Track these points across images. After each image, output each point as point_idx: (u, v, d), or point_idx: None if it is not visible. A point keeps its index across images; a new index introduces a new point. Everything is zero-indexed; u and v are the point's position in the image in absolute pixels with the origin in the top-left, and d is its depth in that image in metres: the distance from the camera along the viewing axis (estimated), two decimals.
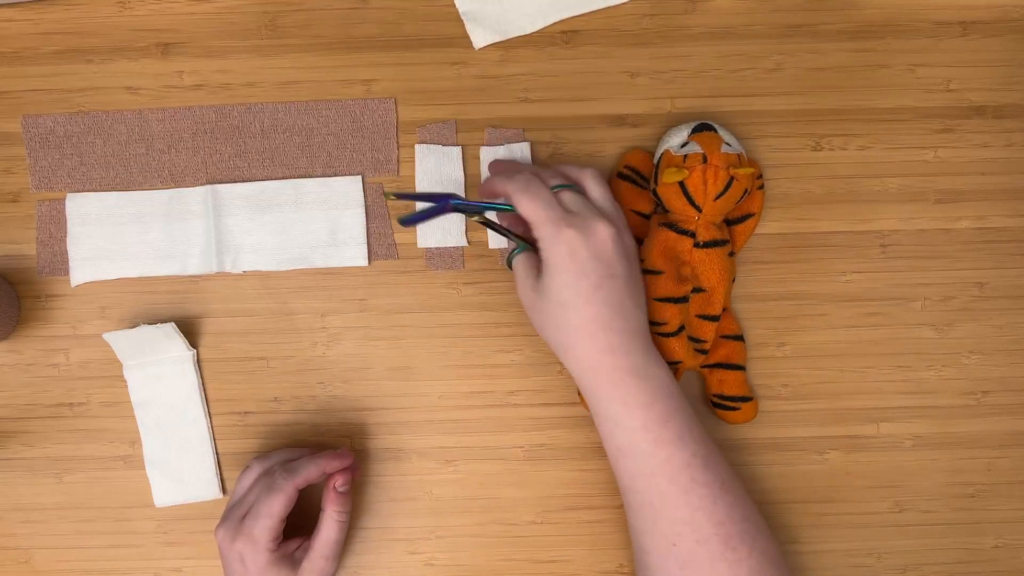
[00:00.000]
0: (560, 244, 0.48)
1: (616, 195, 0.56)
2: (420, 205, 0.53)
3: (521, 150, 0.57)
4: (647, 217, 0.56)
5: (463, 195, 0.57)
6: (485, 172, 0.57)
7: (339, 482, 0.53)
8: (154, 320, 0.57)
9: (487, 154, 0.57)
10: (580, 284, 0.48)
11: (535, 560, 0.58)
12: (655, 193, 0.54)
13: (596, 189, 0.51)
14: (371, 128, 0.57)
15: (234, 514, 0.52)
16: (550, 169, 0.53)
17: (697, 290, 0.54)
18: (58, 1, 0.57)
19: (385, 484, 0.58)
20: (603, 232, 0.48)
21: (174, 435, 0.57)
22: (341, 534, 0.53)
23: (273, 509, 0.51)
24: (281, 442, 0.58)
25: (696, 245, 0.53)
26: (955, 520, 0.58)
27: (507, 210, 0.51)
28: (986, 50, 0.57)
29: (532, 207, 0.49)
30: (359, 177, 0.57)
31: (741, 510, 0.49)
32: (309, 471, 0.52)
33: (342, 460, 0.54)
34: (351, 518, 0.55)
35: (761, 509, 0.56)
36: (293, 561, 0.52)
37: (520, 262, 0.52)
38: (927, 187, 0.58)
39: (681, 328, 0.54)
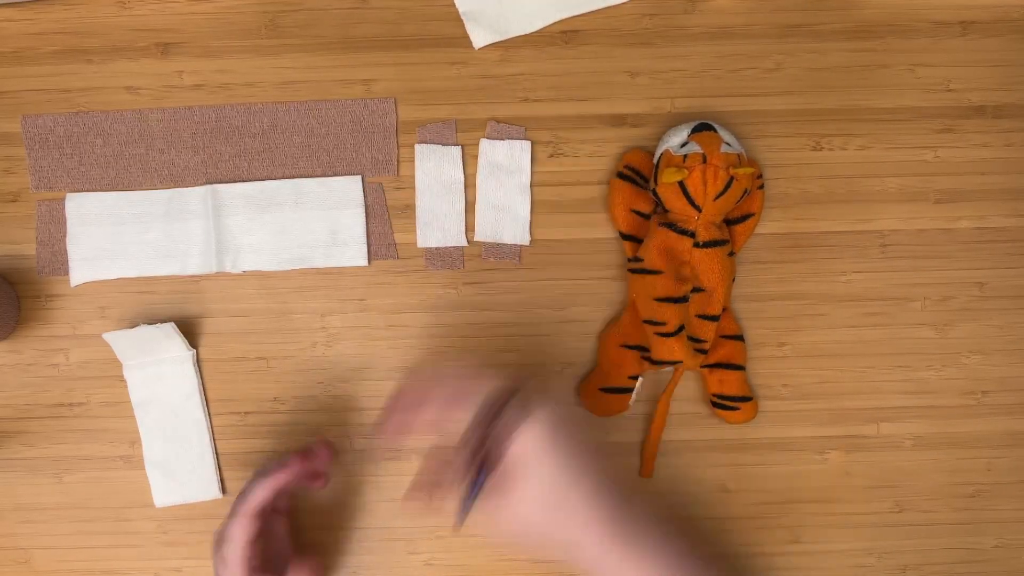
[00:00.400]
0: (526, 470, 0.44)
1: (616, 195, 0.56)
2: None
3: (521, 147, 0.57)
4: (647, 217, 0.56)
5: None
6: (484, 168, 0.57)
7: (318, 485, 0.54)
8: (154, 320, 0.57)
9: (487, 146, 0.57)
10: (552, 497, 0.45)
11: (535, 560, 0.58)
12: (655, 193, 0.54)
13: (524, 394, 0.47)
14: (371, 128, 0.57)
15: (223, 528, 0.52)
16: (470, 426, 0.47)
17: (697, 290, 0.54)
18: (57, 1, 0.57)
19: (385, 484, 0.58)
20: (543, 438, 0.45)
21: (174, 435, 0.57)
22: None
23: (234, 533, 0.50)
24: (281, 442, 0.58)
25: (696, 245, 0.53)
26: (955, 520, 0.58)
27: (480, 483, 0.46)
28: (986, 50, 0.57)
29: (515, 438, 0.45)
30: (359, 177, 0.57)
31: None
32: (256, 495, 0.50)
33: (291, 471, 0.51)
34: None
35: (762, 509, 0.56)
36: None
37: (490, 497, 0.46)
38: (927, 187, 0.58)
39: (681, 328, 0.54)
